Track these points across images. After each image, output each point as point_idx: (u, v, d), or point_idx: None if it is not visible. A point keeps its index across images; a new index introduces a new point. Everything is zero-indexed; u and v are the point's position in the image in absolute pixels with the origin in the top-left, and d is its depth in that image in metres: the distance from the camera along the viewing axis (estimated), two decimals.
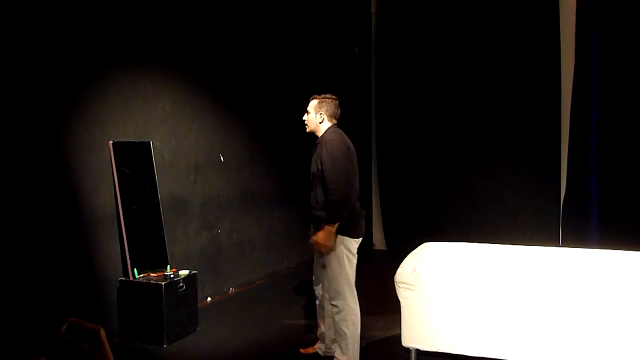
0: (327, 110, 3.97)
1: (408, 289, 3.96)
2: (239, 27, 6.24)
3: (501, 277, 3.82)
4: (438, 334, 3.90)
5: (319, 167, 3.83)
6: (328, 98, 4.00)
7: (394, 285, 4.04)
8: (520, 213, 7.47)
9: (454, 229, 7.44)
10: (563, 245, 6.94)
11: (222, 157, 6.05)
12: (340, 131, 4.00)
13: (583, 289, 3.61)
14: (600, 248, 4.65)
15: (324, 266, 3.94)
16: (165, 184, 5.25)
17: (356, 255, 3.95)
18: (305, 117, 4.04)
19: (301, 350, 4.42)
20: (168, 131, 5.34)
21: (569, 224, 7.25)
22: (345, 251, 3.86)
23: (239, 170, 6.33)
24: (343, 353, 3.92)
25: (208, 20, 5.81)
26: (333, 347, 4.15)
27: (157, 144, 5.18)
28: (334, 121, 4.02)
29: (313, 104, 4.01)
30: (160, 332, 4.57)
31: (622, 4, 6.87)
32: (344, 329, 3.88)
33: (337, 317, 3.92)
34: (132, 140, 4.90)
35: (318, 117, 3.97)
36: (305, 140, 4.15)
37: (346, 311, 3.87)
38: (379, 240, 8.68)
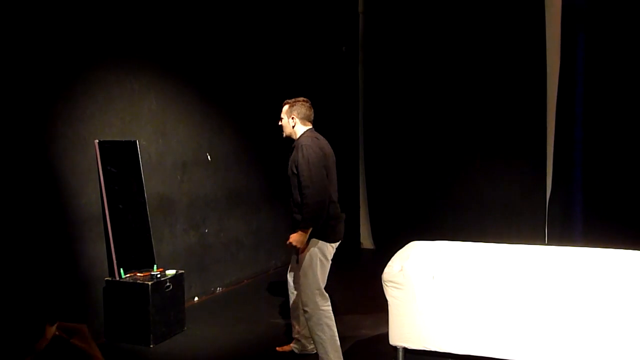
0: (298, 114, 3.99)
1: (395, 287, 3.97)
2: (226, 25, 6.22)
3: (488, 275, 3.84)
4: (425, 333, 3.92)
5: (294, 171, 3.85)
6: (299, 101, 4.03)
7: (382, 284, 4.04)
8: (507, 211, 7.52)
9: (441, 227, 7.48)
10: (549, 243, 7.00)
11: (209, 156, 6.02)
12: (317, 135, 4.00)
13: (568, 287, 3.64)
14: (585, 246, 4.70)
15: (297, 261, 3.95)
16: (152, 183, 5.22)
17: (330, 260, 3.95)
18: (280, 123, 4.09)
19: (277, 348, 4.45)
20: (154, 130, 5.31)
21: (555, 222, 7.32)
22: (319, 255, 3.86)
23: (226, 169, 6.31)
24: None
25: (195, 19, 5.78)
26: (309, 345, 4.20)
27: (144, 143, 5.15)
28: (308, 124, 4.04)
29: (284, 109, 4.06)
30: (147, 332, 4.55)
31: (607, 5, 6.94)
32: (319, 333, 3.87)
33: (310, 324, 3.92)
34: (118, 139, 4.86)
35: (291, 122, 4.01)
36: (292, 138, 4.18)
37: (317, 315, 3.86)
38: (366, 239, 8.69)
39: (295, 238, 3.77)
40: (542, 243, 7.00)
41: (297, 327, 4.31)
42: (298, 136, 4.00)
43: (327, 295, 3.93)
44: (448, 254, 4.26)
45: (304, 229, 3.76)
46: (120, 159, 4.82)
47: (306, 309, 3.90)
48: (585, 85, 7.12)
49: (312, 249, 3.85)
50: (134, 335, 4.58)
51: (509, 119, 7.53)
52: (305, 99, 4.08)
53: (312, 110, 4.07)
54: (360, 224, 8.73)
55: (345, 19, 8.56)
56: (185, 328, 4.94)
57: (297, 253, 3.89)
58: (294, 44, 7.48)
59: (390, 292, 4.00)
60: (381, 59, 8.34)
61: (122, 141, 4.88)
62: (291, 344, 4.41)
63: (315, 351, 4.07)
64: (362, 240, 8.72)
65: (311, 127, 4.05)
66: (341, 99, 8.50)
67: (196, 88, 5.82)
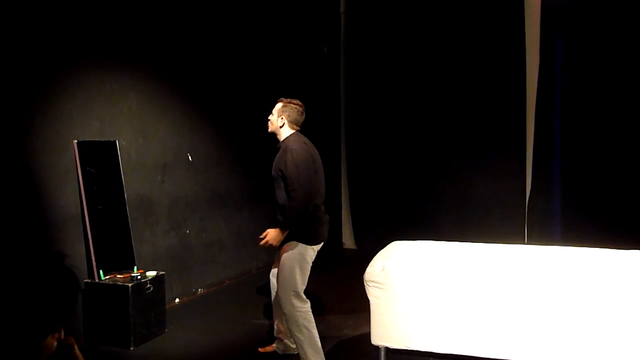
0: (289, 116, 3.98)
1: (377, 287, 3.98)
2: (207, 25, 6.19)
3: (469, 275, 3.86)
4: (407, 332, 3.93)
5: (280, 173, 3.84)
6: (294, 104, 4.01)
7: (364, 284, 4.05)
8: (487, 211, 7.59)
9: (422, 227, 7.51)
10: (528, 242, 7.08)
11: (190, 157, 5.99)
12: (305, 140, 3.99)
13: (548, 286, 3.68)
14: (564, 244, 4.76)
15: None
16: (132, 184, 5.17)
17: (310, 263, 3.93)
18: (269, 117, 4.07)
19: (260, 349, 4.44)
20: (134, 130, 5.26)
21: (534, 221, 7.40)
22: (298, 258, 3.85)
23: (207, 170, 6.27)
24: None
25: (175, 19, 5.74)
26: (291, 344, 4.19)
27: (124, 143, 5.10)
28: (296, 128, 4.03)
29: (278, 106, 4.04)
30: (127, 334, 4.50)
31: (585, 5, 7.03)
32: (297, 334, 3.86)
33: (288, 325, 3.92)
34: (98, 140, 4.81)
35: (279, 121, 3.99)
36: (273, 139, 4.16)
37: (295, 317, 3.85)
38: (348, 239, 8.71)
39: (272, 235, 3.77)
40: (522, 242, 7.07)
41: (279, 326, 4.30)
42: (283, 138, 3.99)
43: (304, 297, 3.91)
44: (429, 254, 4.28)
45: (283, 228, 3.77)
46: (100, 159, 4.77)
47: (284, 310, 3.90)
48: (564, 85, 7.21)
49: (292, 251, 3.85)
50: (114, 337, 4.53)
51: (489, 119, 7.59)
52: (300, 103, 4.06)
53: (304, 116, 4.06)
54: (342, 224, 8.74)
55: (327, 19, 8.57)
56: (166, 330, 4.90)
57: (268, 246, 3.88)
58: (276, 43, 7.46)
59: (372, 292, 4.01)
60: (363, 59, 8.36)
61: (101, 141, 4.83)
62: (273, 344, 4.40)
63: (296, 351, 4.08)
64: (344, 240, 8.73)
65: (298, 130, 4.04)
66: (323, 99, 8.50)
67: (177, 88, 5.78)
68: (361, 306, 4.38)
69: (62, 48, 4.51)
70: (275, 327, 4.36)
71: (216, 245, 6.45)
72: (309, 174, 3.78)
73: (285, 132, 4.00)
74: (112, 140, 4.93)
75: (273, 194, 3.97)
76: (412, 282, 3.90)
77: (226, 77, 6.53)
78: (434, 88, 7.88)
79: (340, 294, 5.95)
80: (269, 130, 4.09)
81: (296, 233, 3.82)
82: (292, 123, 4.00)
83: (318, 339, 3.91)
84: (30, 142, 4.27)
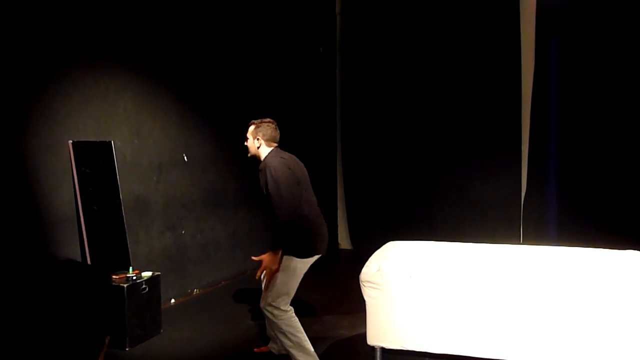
0: (263, 135, 3.99)
1: (373, 287, 3.98)
2: (203, 26, 6.18)
3: (464, 275, 3.87)
4: (403, 332, 3.93)
5: (266, 192, 3.85)
6: (265, 122, 4.02)
7: (359, 284, 4.05)
8: (483, 211, 7.60)
9: (418, 227, 7.53)
10: (524, 242, 7.10)
11: (185, 157, 5.98)
12: (282, 154, 3.97)
13: (543, 286, 3.69)
14: (560, 244, 4.77)
15: None
16: (127, 184, 5.16)
17: (302, 275, 3.92)
18: (245, 143, 4.09)
19: (255, 349, 4.45)
20: (130, 130, 5.25)
21: (530, 221, 7.42)
22: (291, 272, 3.85)
23: (203, 170, 6.26)
24: None
25: (171, 19, 5.73)
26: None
27: (119, 143, 5.09)
28: (274, 144, 4.03)
29: (250, 129, 4.05)
30: (122, 335, 4.49)
31: (580, 7, 7.06)
32: (285, 340, 3.87)
33: (275, 333, 3.94)
34: (93, 140, 4.79)
35: (256, 142, 4.00)
36: (256, 159, 4.17)
37: (277, 325, 3.85)
38: (344, 240, 8.71)
39: (268, 260, 3.77)
40: (518, 242, 7.09)
41: None
42: (263, 157, 3.99)
43: (287, 306, 3.89)
44: (425, 254, 4.29)
45: (274, 250, 3.76)
46: (95, 159, 4.76)
47: (266, 317, 3.93)
48: (559, 86, 7.23)
49: (285, 264, 3.85)
50: (110, 338, 4.51)
51: (485, 120, 7.61)
52: (271, 120, 4.07)
53: (278, 131, 4.07)
54: (338, 224, 8.74)
55: (323, 20, 8.57)
56: (162, 330, 4.89)
57: (268, 272, 3.87)
58: (272, 44, 7.45)
59: (367, 292, 4.01)
60: (358, 59, 8.37)
61: (96, 142, 4.81)
62: (269, 345, 4.40)
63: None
64: (339, 240, 8.73)
65: (276, 146, 4.04)
66: (319, 99, 8.51)
67: (172, 88, 5.77)
68: (357, 306, 4.38)
69: (58, 48, 4.49)
70: (268, 327, 4.36)
71: (212, 245, 6.44)
72: (289, 189, 3.76)
73: (264, 151, 4.00)
74: (107, 140, 4.92)
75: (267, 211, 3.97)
76: (408, 283, 3.90)
77: (222, 77, 6.52)
78: (430, 88, 7.89)
79: (336, 295, 5.94)
80: (249, 155, 4.10)
81: (290, 247, 3.81)
82: (268, 141, 4.00)
83: (307, 342, 3.89)
84: (25, 142, 4.26)
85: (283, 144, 4.14)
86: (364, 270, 4.06)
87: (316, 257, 3.97)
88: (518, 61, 7.41)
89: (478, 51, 7.59)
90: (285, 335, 3.85)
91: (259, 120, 4.05)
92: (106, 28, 4.96)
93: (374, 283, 3.97)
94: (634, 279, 3.59)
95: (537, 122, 7.36)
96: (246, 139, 4.07)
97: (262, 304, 3.91)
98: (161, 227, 5.63)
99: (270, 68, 7.37)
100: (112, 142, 4.95)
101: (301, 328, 3.91)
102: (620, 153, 6.98)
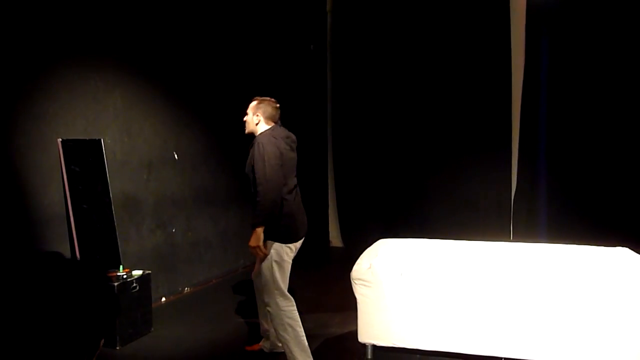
0: (264, 112, 3.98)
1: (364, 285, 3.99)
2: (193, 23, 6.16)
3: (455, 272, 3.89)
4: (394, 330, 3.95)
5: (251, 169, 3.83)
6: (266, 100, 4.03)
7: (350, 282, 4.06)
8: (473, 208, 7.64)
9: (409, 225, 7.56)
10: (514, 239, 7.14)
11: (176, 155, 5.95)
12: (276, 134, 3.93)
13: (533, 283, 3.71)
14: (549, 242, 4.80)
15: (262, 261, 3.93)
16: (117, 183, 5.14)
17: (289, 261, 3.88)
18: (245, 118, 4.08)
19: (246, 347, 4.44)
20: (120, 128, 5.22)
21: (520, 218, 7.46)
22: (274, 257, 3.82)
23: (193, 168, 6.25)
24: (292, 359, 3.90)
25: (161, 16, 5.70)
26: (278, 342, 4.18)
27: (109, 141, 5.06)
28: (272, 123, 4.01)
29: (252, 104, 4.05)
30: (113, 333, 4.47)
31: (570, 7, 7.10)
32: (283, 333, 3.85)
33: (273, 324, 3.92)
34: (82, 138, 4.76)
35: (255, 119, 3.99)
36: (253, 136, 4.15)
37: (280, 316, 3.84)
38: (335, 238, 8.71)
39: (250, 241, 3.74)
40: (508, 239, 7.13)
41: (265, 325, 4.30)
42: (258, 134, 3.97)
43: (289, 295, 3.89)
44: (416, 252, 4.30)
45: (255, 226, 3.72)
46: (85, 158, 4.73)
47: (268, 308, 3.89)
48: (549, 85, 7.28)
49: (269, 251, 3.82)
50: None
51: (475, 118, 7.64)
52: (274, 100, 4.06)
53: (279, 111, 4.06)
54: (329, 222, 8.75)
55: (313, 18, 8.56)
56: (153, 329, 4.88)
57: (257, 255, 3.85)
58: (262, 41, 7.44)
59: (359, 290, 4.02)
60: (349, 57, 8.37)
61: (86, 140, 4.78)
62: (260, 343, 4.40)
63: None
64: (331, 238, 8.73)
65: (274, 125, 4.03)
66: (310, 97, 8.50)
67: (162, 86, 5.75)
68: (348, 304, 4.39)
69: (46, 46, 4.46)
70: (261, 325, 4.36)
71: (202, 244, 6.43)
72: (275, 168, 3.73)
73: (261, 128, 3.98)
74: (97, 138, 4.89)
75: (250, 192, 3.94)
76: (399, 280, 3.92)
77: (212, 75, 6.50)
78: (420, 87, 7.91)
79: (327, 292, 5.95)
80: (246, 131, 4.08)
81: (270, 232, 3.79)
82: (267, 119, 3.99)
83: (304, 338, 3.89)
84: (14, 140, 4.22)
85: None
86: (355, 267, 4.06)
87: (299, 244, 3.93)
88: (508, 60, 7.44)
89: (468, 50, 7.61)
90: (285, 328, 3.83)
91: (262, 98, 4.05)
92: (95, 25, 4.93)
93: (365, 281, 3.98)
94: (623, 275, 3.62)
95: (527, 121, 7.40)
96: (246, 113, 4.06)
97: (265, 296, 3.88)
98: (152, 226, 5.61)
99: (261, 66, 7.36)
100: (102, 140, 4.92)
101: (301, 324, 3.90)
102: (610, 152, 7.03)
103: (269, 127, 3.99)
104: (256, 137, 3.94)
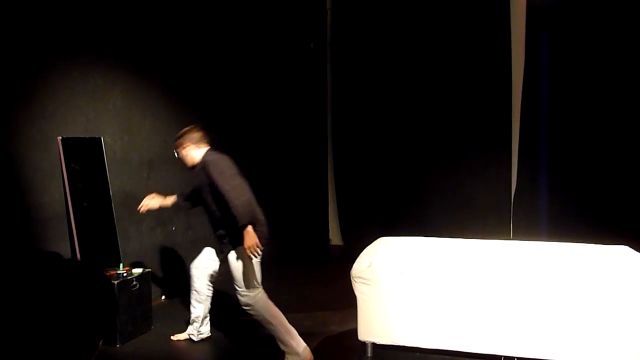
0: (190, 139, 4.09)
1: (364, 283, 3.99)
2: (193, 21, 6.15)
3: (455, 270, 3.89)
4: (394, 328, 3.95)
5: (208, 188, 3.91)
6: (185, 130, 4.13)
7: (350, 280, 4.06)
8: (473, 207, 7.63)
9: (409, 223, 7.54)
10: (514, 237, 7.13)
11: (176, 153, 5.94)
12: (216, 152, 4.03)
13: (534, 281, 3.71)
14: (550, 240, 4.80)
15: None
16: (117, 181, 5.14)
17: (258, 262, 3.96)
18: (180, 156, 4.17)
19: (172, 337, 4.59)
20: (120, 126, 5.22)
21: (520, 217, 7.46)
22: (247, 261, 3.90)
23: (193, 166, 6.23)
24: (285, 346, 3.92)
25: (161, 14, 5.70)
26: (203, 328, 4.48)
27: (109, 139, 5.06)
28: (204, 145, 4.10)
29: (176, 144, 4.16)
30: (113, 331, 4.47)
31: (570, 6, 7.10)
32: (273, 329, 3.92)
33: (258, 320, 3.99)
34: (82, 136, 4.76)
35: (188, 150, 4.10)
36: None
37: (262, 313, 3.92)
38: (335, 236, 8.71)
39: (246, 243, 3.75)
40: (508, 237, 7.12)
41: (195, 310, 4.49)
42: (199, 158, 4.05)
43: (256, 284, 3.94)
44: (416, 250, 4.30)
45: (243, 227, 3.74)
46: (85, 156, 4.73)
47: (248, 309, 3.97)
48: (549, 83, 7.27)
49: (239, 255, 3.92)
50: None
51: (476, 116, 7.63)
52: (192, 125, 4.17)
53: (203, 131, 4.14)
54: (329, 220, 8.74)
55: (314, 16, 8.55)
56: (153, 327, 4.88)
57: (255, 252, 3.87)
58: (262, 40, 7.43)
59: (358, 288, 4.02)
60: (349, 55, 8.36)
61: (86, 138, 4.78)
62: (187, 331, 4.56)
63: (209, 334, 4.53)
64: (331, 237, 8.73)
65: (209, 148, 4.09)
66: (310, 96, 8.50)
67: (162, 84, 5.74)
68: (348, 302, 4.39)
69: (46, 44, 4.46)
70: (191, 313, 4.52)
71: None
72: (235, 174, 3.83)
73: (198, 153, 4.07)
74: (97, 136, 4.89)
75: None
76: (399, 278, 3.92)
77: (212, 73, 6.50)
78: (420, 85, 7.90)
79: (327, 290, 5.95)
80: (188, 165, 4.17)
81: (238, 239, 3.82)
82: (197, 143, 4.09)
83: (284, 317, 3.93)
84: (14, 139, 4.22)
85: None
86: (355, 266, 4.07)
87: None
88: (508, 59, 7.43)
89: (468, 49, 7.60)
90: (271, 323, 3.91)
91: (179, 134, 4.16)
92: (95, 24, 4.92)
93: (365, 279, 3.98)
94: (624, 273, 3.62)
95: (527, 119, 7.40)
96: (176, 153, 4.16)
97: (243, 298, 3.96)
98: (152, 224, 5.61)
99: (261, 64, 7.35)
100: (102, 138, 4.92)
101: (272, 303, 3.95)
102: (610, 150, 7.03)
103: (205, 149, 4.06)
104: (200, 161, 4.01)
